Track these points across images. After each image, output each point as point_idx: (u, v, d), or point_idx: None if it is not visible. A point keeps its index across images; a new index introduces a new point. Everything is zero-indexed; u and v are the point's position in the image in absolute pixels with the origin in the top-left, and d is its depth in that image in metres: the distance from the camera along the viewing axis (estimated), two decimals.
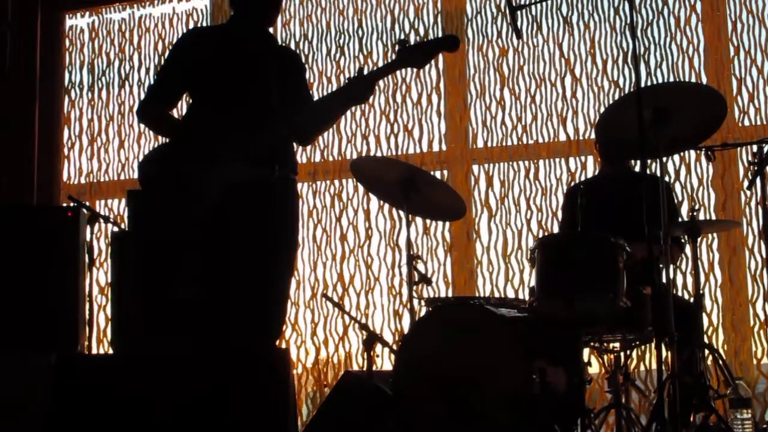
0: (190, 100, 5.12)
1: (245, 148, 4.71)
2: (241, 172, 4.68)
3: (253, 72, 4.93)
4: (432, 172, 6.86)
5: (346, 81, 4.90)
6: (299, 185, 8.01)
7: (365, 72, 4.89)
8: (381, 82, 8.06)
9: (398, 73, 8.07)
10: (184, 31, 8.24)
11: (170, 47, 5.34)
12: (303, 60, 5.38)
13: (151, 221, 4.85)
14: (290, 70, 5.13)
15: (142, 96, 5.27)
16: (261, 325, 4.66)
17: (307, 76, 5.42)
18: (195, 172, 4.67)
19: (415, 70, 7.76)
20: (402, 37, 4.85)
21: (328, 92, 5.20)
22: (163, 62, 5.25)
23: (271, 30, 5.20)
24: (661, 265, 4.61)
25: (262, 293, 4.68)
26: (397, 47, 4.86)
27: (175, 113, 5.18)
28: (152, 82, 5.21)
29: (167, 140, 5.08)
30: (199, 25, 8.67)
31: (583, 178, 7.43)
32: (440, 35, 4.83)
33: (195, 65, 4.95)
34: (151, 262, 4.91)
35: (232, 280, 4.64)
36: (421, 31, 8.14)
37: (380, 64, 8.13)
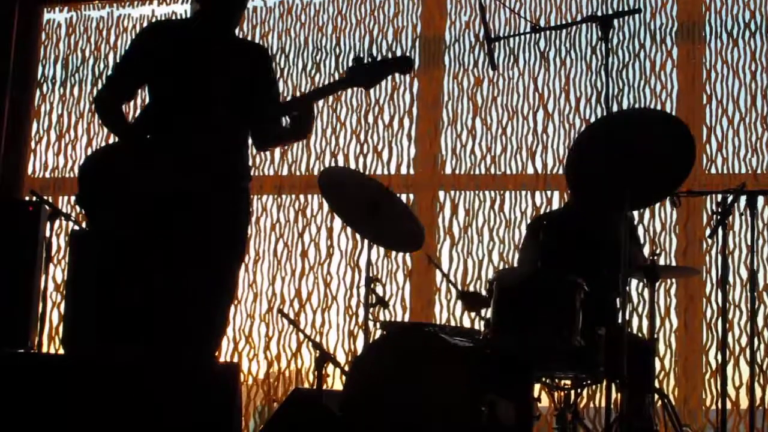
0: (147, 96, 5.00)
1: (196, 156, 4.62)
2: (186, 181, 4.59)
3: (211, 74, 4.81)
4: (398, 196, 6.86)
5: (291, 98, 4.80)
6: (264, 198, 8.12)
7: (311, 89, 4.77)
8: (355, 101, 8.14)
9: (372, 93, 8.09)
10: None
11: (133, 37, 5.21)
12: (269, 56, 5.22)
13: (92, 220, 4.77)
14: (257, 68, 5.03)
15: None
16: (202, 336, 4.61)
17: (275, 71, 5.30)
18: (134, 178, 4.58)
19: (388, 91, 7.82)
20: (361, 55, 4.66)
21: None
22: (124, 52, 5.11)
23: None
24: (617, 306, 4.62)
25: (204, 305, 4.62)
26: (350, 64, 4.73)
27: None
28: (110, 73, 5.08)
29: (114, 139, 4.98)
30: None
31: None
32: (396, 56, 4.66)
33: (153, 61, 4.83)
34: (107, 264, 4.86)
35: (178, 289, 4.57)
36: (398, 54, 8.12)
37: None
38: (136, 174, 4.59)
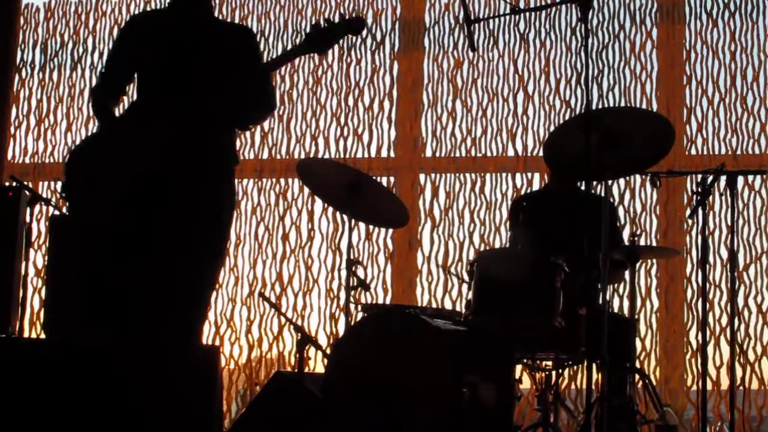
0: (136, 89, 5.01)
1: (173, 136, 4.61)
2: (165, 162, 4.58)
3: (191, 56, 4.81)
4: (379, 179, 6.86)
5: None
6: (245, 182, 8.10)
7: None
8: (335, 84, 8.13)
9: (351, 76, 8.10)
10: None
11: (116, 34, 5.25)
12: (254, 35, 5.25)
13: (75, 209, 4.77)
14: (243, 48, 5.03)
15: (94, 80, 5.19)
16: (183, 320, 4.61)
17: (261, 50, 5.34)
18: (114, 162, 4.57)
19: (368, 73, 7.80)
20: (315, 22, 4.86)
21: None
22: (110, 49, 5.14)
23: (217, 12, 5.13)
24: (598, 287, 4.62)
25: (185, 288, 4.62)
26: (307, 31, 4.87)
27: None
28: (102, 69, 5.12)
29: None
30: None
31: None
32: (350, 17, 4.83)
33: (138, 53, 4.85)
34: (87, 249, 4.84)
35: (159, 273, 4.57)
36: (378, 37, 8.16)
37: (335, 67, 8.15)
38: (116, 157, 4.58)
